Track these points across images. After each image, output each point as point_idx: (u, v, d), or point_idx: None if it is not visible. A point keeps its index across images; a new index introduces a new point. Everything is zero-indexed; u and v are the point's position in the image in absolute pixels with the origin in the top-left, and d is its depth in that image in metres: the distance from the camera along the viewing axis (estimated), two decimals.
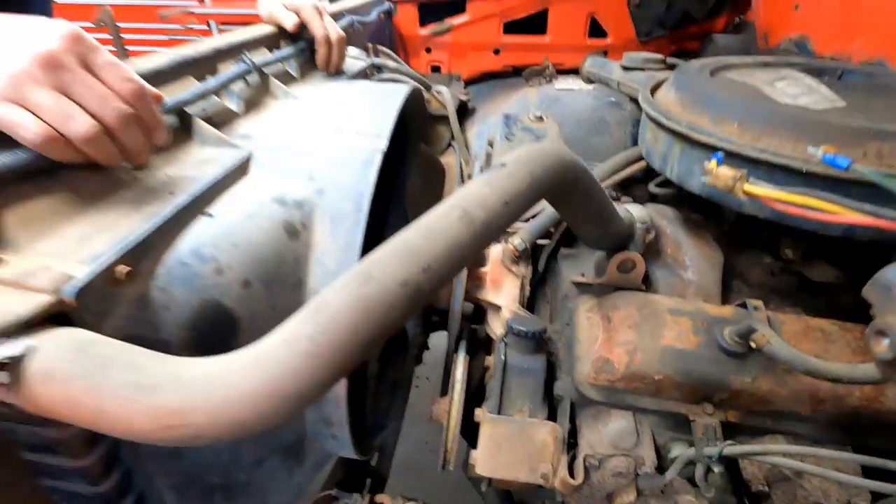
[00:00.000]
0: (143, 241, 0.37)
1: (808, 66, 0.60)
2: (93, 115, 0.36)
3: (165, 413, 0.28)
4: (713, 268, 0.60)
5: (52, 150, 0.36)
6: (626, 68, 0.89)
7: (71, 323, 0.32)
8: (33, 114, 0.35)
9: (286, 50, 0.75)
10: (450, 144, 1.27)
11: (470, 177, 0.91)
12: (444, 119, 1.21)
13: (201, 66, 0.59)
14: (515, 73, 1.52)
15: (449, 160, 1.24)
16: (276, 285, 0.46)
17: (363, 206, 0.49)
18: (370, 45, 1.26)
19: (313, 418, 0.53)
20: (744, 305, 0.51)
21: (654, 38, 1.36)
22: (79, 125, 0.36)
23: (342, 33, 0.83)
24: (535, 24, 1.47)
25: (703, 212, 0.66)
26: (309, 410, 0.53)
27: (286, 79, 0.74)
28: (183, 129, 0.51)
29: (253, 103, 0.63)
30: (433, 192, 0.98)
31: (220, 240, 0.42)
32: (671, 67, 0.87)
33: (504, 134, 0.79)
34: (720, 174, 0.41)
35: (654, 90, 0.63)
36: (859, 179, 0.39)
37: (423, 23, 1.45)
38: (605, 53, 1.44)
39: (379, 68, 1.03)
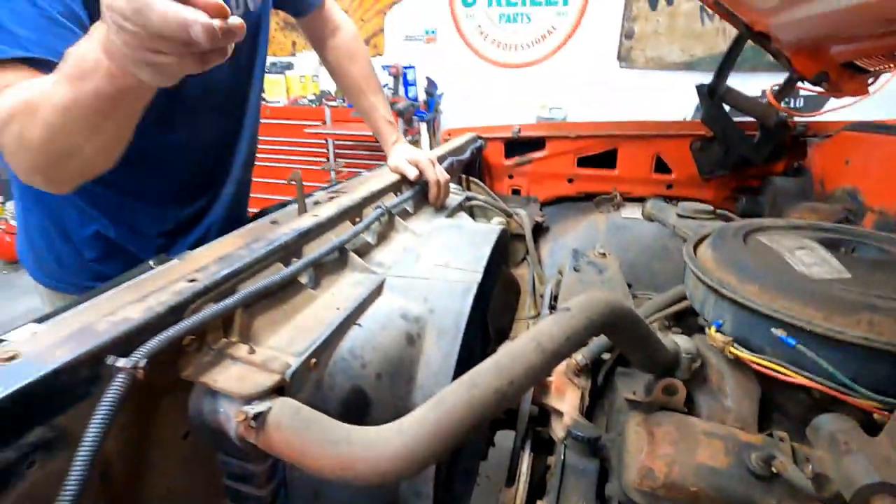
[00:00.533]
0: (324, 342, 0.56)
1: (826, 238, 0.73)
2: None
3: (342, 461, 0.45)
4: (751, 399, 0.70)
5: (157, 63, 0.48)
6: (680, 216, 1.05)
7: (284, 394, 0.50)
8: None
9: (407, 193, 1.00)
10: (524, 258, 1.46)
11: (542, 295, 1.07)
12: (522, 237, 1.42)
13: (353, 212, 0.83)
14: (587, 198, 1.72)
15: (523, 272, 1.42)
16: (397, 378, 0.63)
17: (461, 324, 0.67)
18: (463, 176, 1.53)
19: (406, 488, 0.67)
20: (771, 435, 0.61)
21: (715, 176, 1.52)
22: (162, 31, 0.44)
23: (447, 176, 1.08)
24: (606, 157, 1.68)
25: None
26: (405, 482, 0.67)
27: (404, 214, 0.98)
28: (342, 261, 0.73)
29: (383, 236, 0.86)
30: (510, 305, 1.14)
31: (365, 343, 0.62)
32: (721, 217, 1.02)
33: (572, 265, 0.96)
34: (715, 338, 0.54)
35: (697, 245, 0.78)
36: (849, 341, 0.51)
37: (507, 155, 1.72)
38: (670, 186, 1.61)
39: (470, 199, 1.26)
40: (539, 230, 1.60)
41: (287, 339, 0.56)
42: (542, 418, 0.89)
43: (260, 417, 0.46)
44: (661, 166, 1.62)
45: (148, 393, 0.47)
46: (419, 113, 3.10)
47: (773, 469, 0.55)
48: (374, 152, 3.29)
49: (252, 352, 0.51)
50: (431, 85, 3.31)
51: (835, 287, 0.58)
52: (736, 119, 1.47)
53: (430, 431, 0.45)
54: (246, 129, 1.03)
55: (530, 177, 1.75)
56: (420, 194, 1.05)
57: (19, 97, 0.59)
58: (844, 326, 0.53)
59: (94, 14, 0.68)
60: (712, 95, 1.39)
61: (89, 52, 0.51)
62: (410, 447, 0.44)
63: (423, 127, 3.12)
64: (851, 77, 1.23)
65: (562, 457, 0.72)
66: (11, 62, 0.63)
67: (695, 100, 1.78)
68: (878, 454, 0.40)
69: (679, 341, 0.72)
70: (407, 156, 1.04)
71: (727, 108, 1.45)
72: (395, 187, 1.00)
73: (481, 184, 1.51)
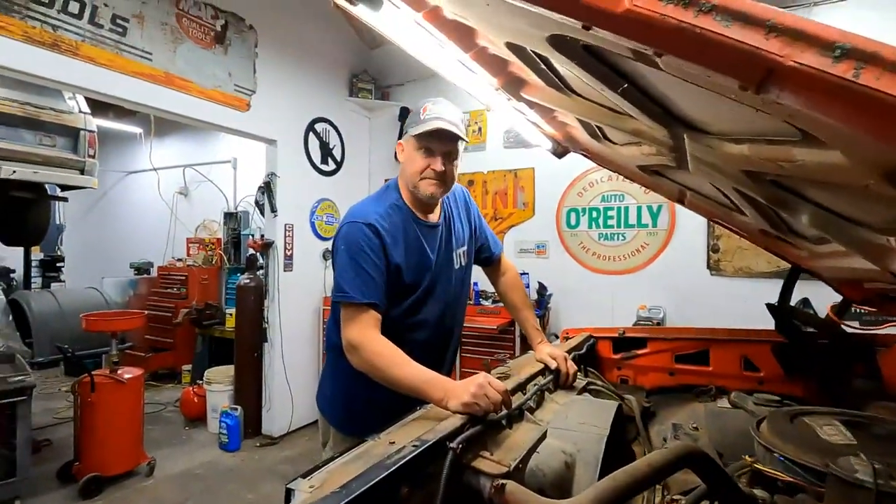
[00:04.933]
0: (523, 458, 1.02)
1: (850, 420, 1.07)
2: (492, 402, 1.06)
3: None
4: None
5: (479, 412, 1.05)
6: (756, 404, 1.40)
7: (509, 479, 0.96)
8: (477, 403, 1.06)
9: (549, 377, 1.50)
10: (636, 437, 1.79)
11: None
12: (633, 419, 1.78)
13: (521, 388, 1.34)
14: (687, 389, 2.05)
15: (636, 449, 1.74)
16: (561, 488, 1.05)
17: (599, 459, 1.09)
18: (583, 366, 2.00)
19: None
20: None
21: (800, 376, 1.82)
22: (489, 404, 1.06)
23: (576, 368, 1.57)
24: (701, 355, 2.06)
25: None
26: None
27: (547, 390, 1.46)
28: (520, 415, 1.22)
29: (538, 403, 1.34)
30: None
31: (542, 463, 1.06)
32: (786, 405, 1.36)
33: (673, 435, 1.33)
34: (747, 460, 0.90)
35: (759, 422, 1.15)
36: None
37: (615, 351, 2.17)
38: (762, 382, 1.91)
39: (591, 384, 1.71)
40: (646, 414, 1.94)
41: (504, 453, 1.03)
42: None
43: (503, 487, 0.92)
44: (752, 365, 1.95)
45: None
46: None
47: None
48: (491, 340, 3.86)
49: (491, 455, 1.00)
50: (542, 288, 4.00)
51: (839, 447, 0.94)
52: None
53: (591, 500, 0.87)
54: (456, 332, 1.65)
55: (635, 369, 2.15)
56: (557, 378, 1.54)
57: (376, 343, 1.27)
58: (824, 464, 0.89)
59: (388, 272, 1.38)
60: (780, 312, 1.80)
61: (437, 380, 1.16)
62: None
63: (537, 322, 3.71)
64: (892, 302, 1.60)
65: None
66: (361, 305, 1.31)
67: None
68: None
69: (757, 491, 1.06)
70: (548, 351, 1.57)
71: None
72: (541, 372, 1.52)
73: (597, 373, 1.96)
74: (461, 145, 1.45)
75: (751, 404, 1.42)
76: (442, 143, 1.41)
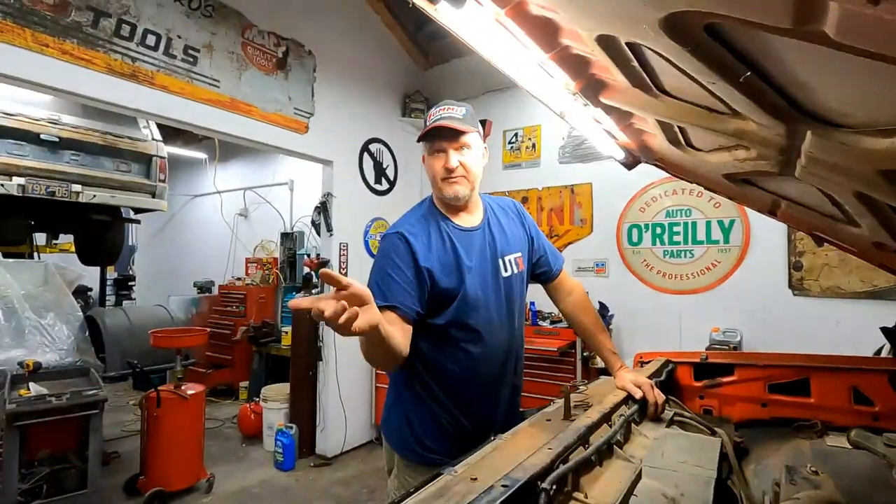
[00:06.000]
0: (621, 501, 0.90)
1: None
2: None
3: None
4: None
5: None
6: (887, 445, 1.20)
7: None
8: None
9: (633, 407, 1.35)
10: (728, 477, 1.59)
11: None
12: (724, 455, 1.59)
13: (607, 416, 1.21)
14: (783, 423, 1.82)
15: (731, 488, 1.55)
16: None
17: None
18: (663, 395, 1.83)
19: None
20: None
21: None
22: None
23: (664, 397, 1.41)
24: (799, 385, 1.82)
25: None
26: None
27: (633, 422, 1.32)
28: (609, 450, 1.09)
29: (626, 437, 1.20)
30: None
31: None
32: None
33: (788, 480, 1.15)
34: None
35: None
36: None
37: (697, 378, 1.97)
38: (877, 418, 1.66)
39: (678, 415, 1.54)
40: (738, 449, 1.73)
41: (598, 495, 0.91)
42: None
43: None
44: (864, 398, 1.70)
45: None
46: None
47: None
48: (551, 363, 3.69)
49: (586, 497, 0.88)
50: (604, 308, 3.80)
51: None
52: None
53: None
54: (515, 345, 1.54)
55: (721, 398, 1.94)
56: (643, 408, 1.39)
57: None
58: None
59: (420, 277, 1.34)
60: None
61: None
62: None
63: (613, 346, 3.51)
64: None
65: None
66: (381, 308, 1.24)
67: None
68: None
69: None
70: (631, 378, 1.43)
71: None
72: (624, 401, 1.37)
73: (679, 402, 1.78)
74: (472, 138, 1.43)
75: (881, 445, 1.22)
76: (448, 140, 1.41)
